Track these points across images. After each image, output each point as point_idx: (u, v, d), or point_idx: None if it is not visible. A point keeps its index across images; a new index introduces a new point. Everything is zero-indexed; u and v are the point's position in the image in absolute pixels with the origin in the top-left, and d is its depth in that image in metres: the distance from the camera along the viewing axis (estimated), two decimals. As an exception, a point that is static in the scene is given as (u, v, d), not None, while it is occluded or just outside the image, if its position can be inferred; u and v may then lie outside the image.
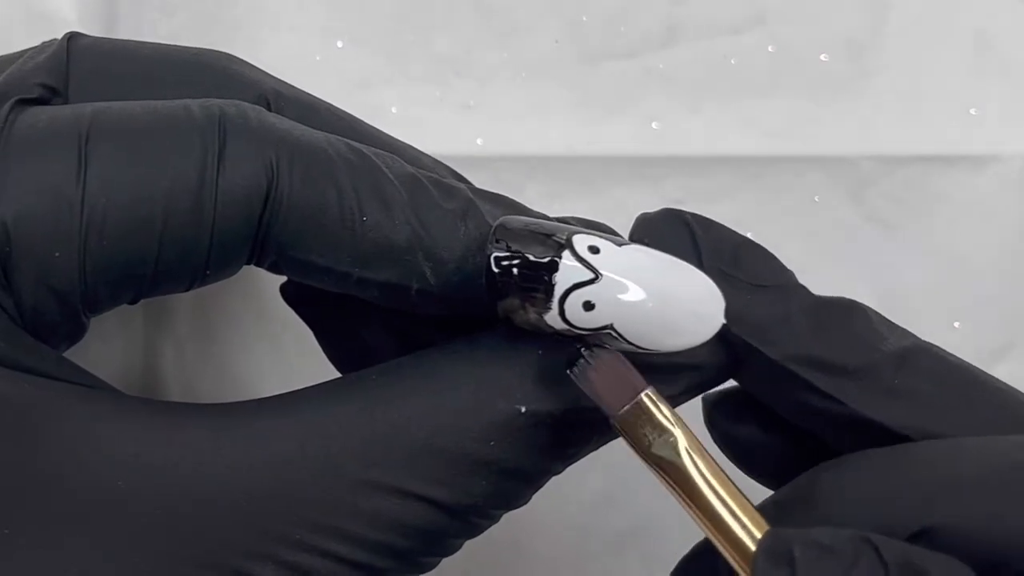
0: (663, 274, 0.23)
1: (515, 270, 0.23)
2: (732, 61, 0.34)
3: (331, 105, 0.26)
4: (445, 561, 0.26)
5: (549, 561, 0.34)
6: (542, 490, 0.27)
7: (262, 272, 0.24)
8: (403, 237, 0.23)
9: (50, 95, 0.24)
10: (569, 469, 0.27)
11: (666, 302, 0.23)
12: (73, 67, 0.25)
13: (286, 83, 0.26)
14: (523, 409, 0.23)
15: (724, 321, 0.23)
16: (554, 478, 0.27)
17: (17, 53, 0.26)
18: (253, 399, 0.24)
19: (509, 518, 0.27)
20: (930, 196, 0.34)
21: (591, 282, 0.22)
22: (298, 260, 0.23)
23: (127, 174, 0.22)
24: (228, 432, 0.23)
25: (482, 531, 0.24)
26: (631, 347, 0.23)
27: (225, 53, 0.26)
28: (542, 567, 0.34)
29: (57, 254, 0.22)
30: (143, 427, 0.23)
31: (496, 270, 0.23)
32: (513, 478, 0.24)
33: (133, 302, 0.24)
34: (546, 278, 0.22)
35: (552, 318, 0.23)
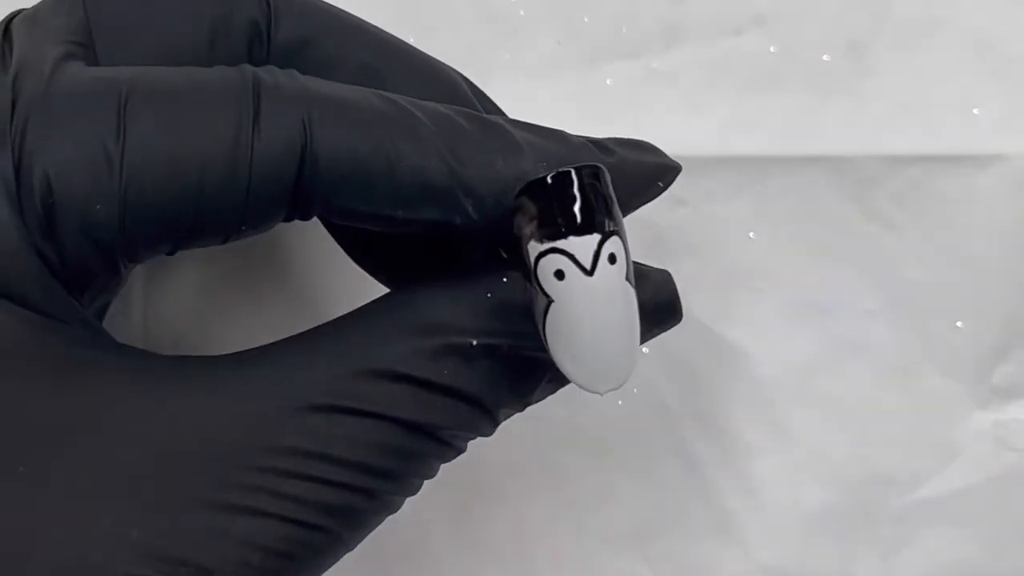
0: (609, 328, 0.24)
1: (558, 203, 0.23)
2: (733, 61, 0.34)
3: (335, 6, 0.27)
4: (446, 560, 0.26)
5: (549, 561, 0.34)
6: (542, 490, 0.27)
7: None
8: (441, 177, 0.24)
9: (80, 48, 0.25)
10: (567, 467, 0.27)
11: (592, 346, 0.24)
12: (91, 18, 0.25)
13: None
14: (474, 342, 0.24)
15: (615, 388, 0.24)
16: (554, 478, 0.27)
17: (32, 9, 0.26)
18: (226, 354, 0.25)
19: (509, 518, 0.27)
20: (932, 196, 0.34)
21: (582, 272, 0.23)
22: (341, 209, 0.24)
23: (165, 134, 0.23)
24: (218, 382, 0.24)
25: (455, 454, 0.26)
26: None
27: None
28: (542, 567, 0.34)
29: (98, 207, 0.23)
30: (157, 380, 0.24)
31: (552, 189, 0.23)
32: (469, 406, 0.25)
33: (171, 253, 0.25)
34: (567, 230, 0.23)
35: (533, 247, 0.23)
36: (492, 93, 0.28)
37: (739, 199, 0.34)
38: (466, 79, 0.28)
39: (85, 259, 0.23)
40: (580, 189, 0.23)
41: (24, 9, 0.26)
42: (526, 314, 0.24)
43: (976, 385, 0.34)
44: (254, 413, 0.24)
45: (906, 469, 0.34)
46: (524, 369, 0.25)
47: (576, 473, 0.27)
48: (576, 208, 0.23)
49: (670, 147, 0.28)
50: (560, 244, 0.23)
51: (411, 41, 0.27)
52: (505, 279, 0.25)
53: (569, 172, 0.23)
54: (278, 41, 0.26)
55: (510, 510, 0.27)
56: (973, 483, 0.34)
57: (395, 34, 0.27)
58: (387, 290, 0.27)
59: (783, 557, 0.34)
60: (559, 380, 0.26)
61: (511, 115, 0.27)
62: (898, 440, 0.34)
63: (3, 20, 0.26)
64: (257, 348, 0.25)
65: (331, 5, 0.27)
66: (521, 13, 0.34)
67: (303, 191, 0.24)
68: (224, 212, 0.23)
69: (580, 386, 0.24)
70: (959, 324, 0.34)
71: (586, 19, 0.34)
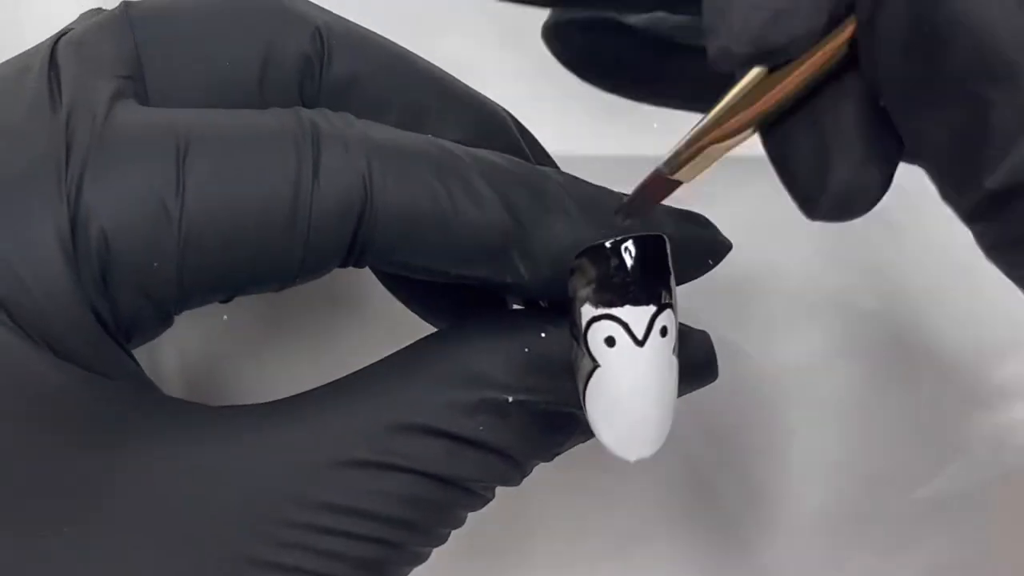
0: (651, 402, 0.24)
1: (617, 277, 0.23)
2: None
3: (385, 38, 0.27)
4: (445, 560, 0.26)
5: (549, 561, 0.34)
6: (543, 490, 0.27)
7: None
8: (498, 237, 0.24)
9: (130, 83, 0.24)
10: (569, 469, 0.27)
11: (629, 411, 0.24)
12: (140, 44, 0.25)
13: (334, 15, 0.26)
14: (510, 399, 0.24)
15: (644, 456, 0.24)
16: (555, 478, 0.27)
17: (70, 27, 0.26)
18: (266, 403, 0.25)
19: (509, 518, 0.27)
20: (934, 195, 0.34)
21: (633, 342, 0.23)
22: (395, 262, 0.24)
23: (224, 188, 0.22)
24: (258, 435, 0.24)
25: (483, 504, 0.26)
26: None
27: None
28: (542, 567, 0.34)
29: (156, 263, 0.22)
30: (199, 434, 0.24)
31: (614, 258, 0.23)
32: (502, 460, 0.25)
33: (225, 301, 0.25)
34: (629, 300, 0.23)
35: (587, 311, 0.23)
36: (493, 93, 0.28)
37: (739, 199, 0.34)
38: (513, 118, 0.28)
39: (138, 313, 0.23)
40: (642, 259, 0.23)
41: (69, 30, 0.25)
42: (563, 372, 0.24)
43: (975, 386, 0.34)
44: (293, 468, 0.23)
45: (905, 469, 0.34)
46: (557, 424, 0.25)
47: (576, 473, 0.27)
48: (636, 278, 0.23)
49: (669, 146, 0.28)
50: (615, 312, 0.23)
51: (413, 42, 0.27)
52: (543, 334, 0.25)
53: (634, 240, 0.23)
54: (330, 77, 0.25)
55: (510, 510, 0.27)
56: (972, 484, 0.34)
57: (396, 34, 0.27)
58: (406, 322, 0.28)
59: (783, 557, 0.34)
60: (589, 434, 0.26)
61: (511, 116, 0.28)
62: (897, 440, 0.34)
63: (49, 43, 0.25)
64: (297, 396, 0.25)
65: (383, 39, 0.26)
66: (522, 13, 0.34)
67: (360, 243, 0.23)
68: (281, 264, 0.23)
69: (611, 451, 0.24)
70: (960, 324, 0.34)
71: (586, 19, 0.34)
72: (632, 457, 0.24)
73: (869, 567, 0.34)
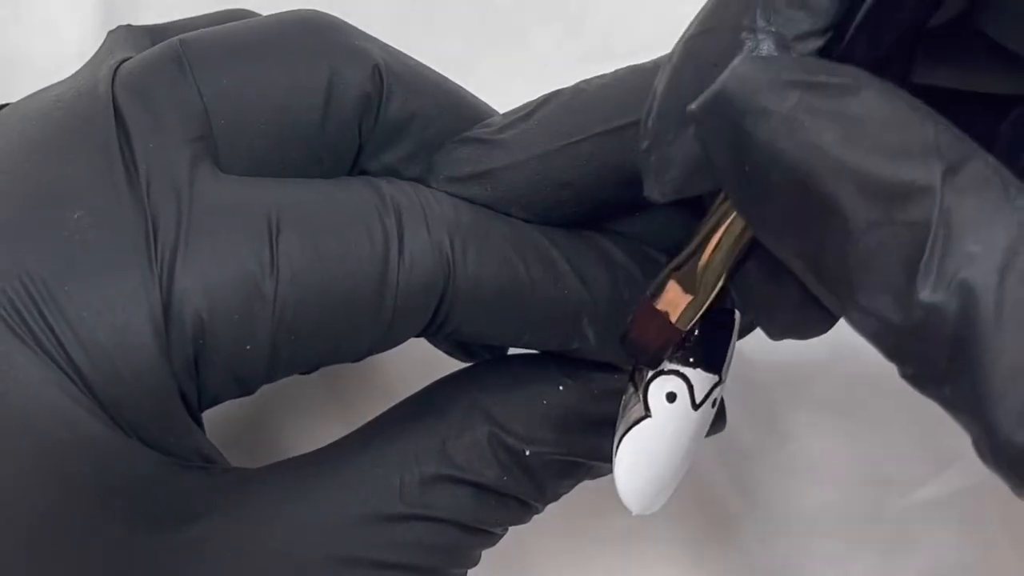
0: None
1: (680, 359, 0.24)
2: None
3: (437, 74, 0.26)
4: (446, 561, 0.26)
5: (549, 561, 0.34)
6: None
7: None
8: (572, 307, 0.24)
9: (203, 145, 0.23)
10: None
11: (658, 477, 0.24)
12: (205, 95, 0.24)
13: (388, 47, 0.26)
14: (527, 452, 0.25)
15: (643, 513, 0.25)
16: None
17: (110, 49, 0.25)
18: (296, 457, 0.25)
19: (510, 518, 0.27)
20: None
21: (691, 403, 0.24)
22: (470, 335, 0.25)
23: (315, 269, 0.22)
24: (301, 493, 0.24)
25: (497, 540, 0.26)
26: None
27: (321, 16, 0.25)
28: (542, 567, 0.34)
29: (248, 347, 0.22)
30: (250, 503, 0.24)
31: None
32: (519, 504, 0.26)
33: (305, 374, 0.25)
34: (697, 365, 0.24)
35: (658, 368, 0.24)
36: (492, 94, 0.28)
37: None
38: None
39: (225, 393, 0.23)
40: (722, 330, 0.24)
41: (128, 73, 0.24)
42: (577, 426, 0.25)
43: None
44: (335, 525, 0.24)
45: (905, 470, 0.34)
46: (569, 472, 0.26)
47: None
48: (714, 345, 0.24)
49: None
50: (687, 371, 0.24)
51: (413, 42, 0.27)
52: (561, 387, 0.25)
53: (731, 312, 0.24)
54: (388, 114, 0.25)
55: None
56: (972, 485, 0.34)
57: (396, 34, 0.27)
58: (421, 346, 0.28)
59: (782, 558, 0.34)
60: (594, 475, 0.27)
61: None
62: (897, 441, 0.34)
63: (105, 86, 0.23)
64: (332, 448, 0.25)
65: (438, 75, 0.26)
66: (522, 14, 0.34)
67: (440, 318, 0.24)
68: (364, 340, 0.23)
69: (624, 499, 0.25)
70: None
71: (586, 19, 0.34)
72: (637, 510, 0.25)
73: (869, 567, 0.34)
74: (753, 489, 0.34)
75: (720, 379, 0.24)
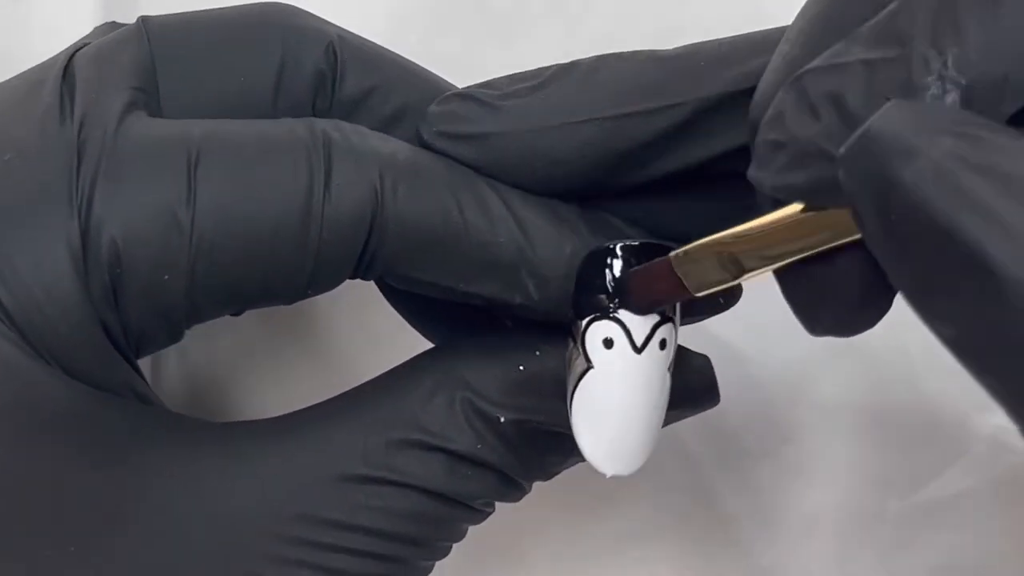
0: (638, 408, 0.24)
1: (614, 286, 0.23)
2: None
3: (396, 54, 0.26)
4: (445, 560, 0.26)
5: (549, 561, 0.34)
6: (543, 491, 0.27)
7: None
8: (508, 255, 0.24)
9: (143, 95, 0.24)
10: (569, 470, 0.27)
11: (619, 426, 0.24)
12: (156, 57, 0.24)
13: (344, 29, 0.26)
14: (502, 419, 0.24)
15: (621, 474, 0.24)
16: (553, 479, 0.27)
17: (85, 39, 0.26)
18: (268, 419, 0.25)
19: (509, 519, 0.27)
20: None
21: (631, 347, 0.23)
22: (403, 276, 0.24)
23: (236, 200, 0.22)
24: (260, 453, 0.24)
25: (484, 518, 0.26)
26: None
27: (282, 4, 0.26)
28: (542, 567, 0.34)
29: (166, 277, 0.22)
30: (204, 452, 0.24)
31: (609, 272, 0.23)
32: (498, 477, 0.25)
33: (235, 315, 0.25)
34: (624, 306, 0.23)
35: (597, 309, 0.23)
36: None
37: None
38: None
39: (148, 327, 0.23)
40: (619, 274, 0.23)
41: (87, 43, 0.25)
42: (556, 392, 0.24)
43: (975, 386, 0.34)
44: (295, 485, 0.23)
45: (905, 471, 0.34)
46: (552, 444, 0.25)
47: (575, 474, 0.27)
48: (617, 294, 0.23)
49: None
50: (619, 313, 0.23)
51: (412, 41, 0.27)
52: (538, 352, 0.25)
53: (645, 246, 0.23)
54: (343, 91, 0.25)
55: (509, 510, 0.27)
56: (972, 486, 0.34)
57: (396, 34, 0.27)
58: (406, 334, 0.28)
59: (783, 558, 0.34)
60: (578, 455, 0.26)
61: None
62: (897, 442, 0.34)
63: (65, 55, 0.24)
64: (297, 413, 0.25)
65: (394, 54, 0.26)
66: (522, 13, 0.34)
67: (369, 255, 0.23)
68: (292, 276, 0.23)
69: (590, 461, 0.24)
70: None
71: (586, 19, 0.34)
72: (609, 471, 0.24)
73: (869, 568, 0.34)
74: (753, 489, 0.34)
75: (662, 318, 0.23)
